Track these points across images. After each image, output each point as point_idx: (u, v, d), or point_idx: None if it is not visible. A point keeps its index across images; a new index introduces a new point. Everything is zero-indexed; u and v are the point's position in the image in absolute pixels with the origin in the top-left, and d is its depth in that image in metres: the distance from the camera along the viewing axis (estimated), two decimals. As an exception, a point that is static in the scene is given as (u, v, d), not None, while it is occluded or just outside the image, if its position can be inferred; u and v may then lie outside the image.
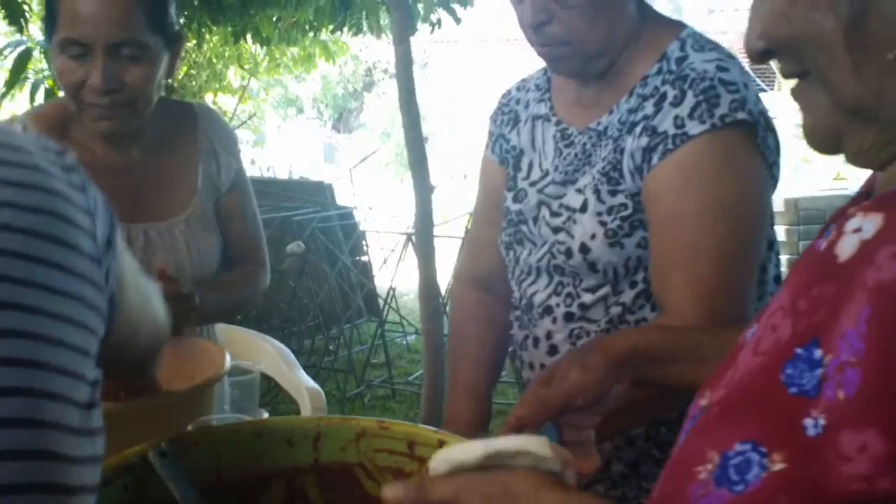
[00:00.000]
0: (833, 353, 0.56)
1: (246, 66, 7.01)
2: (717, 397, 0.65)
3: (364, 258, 6.10)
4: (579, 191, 1.35)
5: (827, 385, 0.55)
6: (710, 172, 1.23)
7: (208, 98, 7.22)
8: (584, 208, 1.33)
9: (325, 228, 5.46)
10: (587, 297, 1.34)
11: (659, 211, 1.26)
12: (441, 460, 0.73)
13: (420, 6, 4.52)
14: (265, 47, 6.39)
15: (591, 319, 1.34)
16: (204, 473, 1.01)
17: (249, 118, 8.26)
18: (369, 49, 13.93)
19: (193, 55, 6.90)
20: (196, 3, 4.79)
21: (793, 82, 0.70)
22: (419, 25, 4.74)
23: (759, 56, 0.69)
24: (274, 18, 5.41)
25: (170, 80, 1.71)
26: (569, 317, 1.36)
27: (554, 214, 1.38)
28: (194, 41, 5.99)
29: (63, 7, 1.49)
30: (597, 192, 1.32)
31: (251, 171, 8.57)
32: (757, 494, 0.56)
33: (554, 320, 1.37)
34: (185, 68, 7.03)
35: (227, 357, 1.35)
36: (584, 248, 1.32)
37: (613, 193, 1.31)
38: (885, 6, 0.61)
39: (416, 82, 3.60)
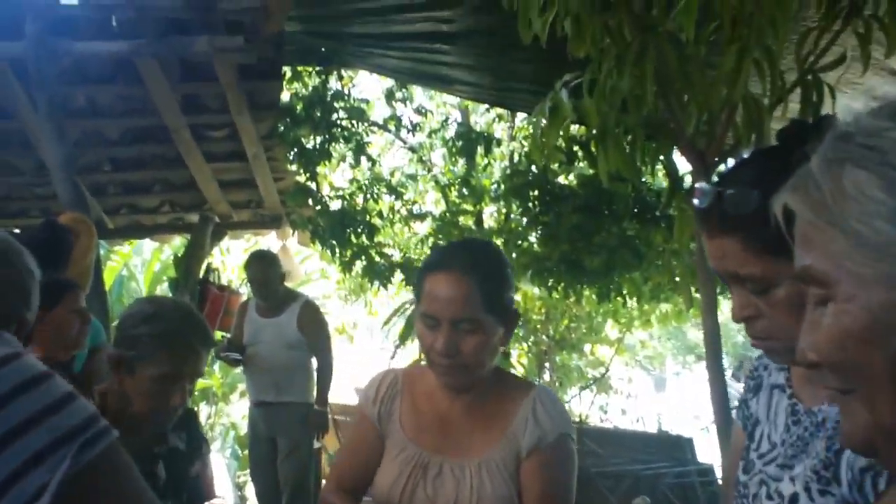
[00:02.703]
0: None
1: (622, 321, 7.40)
2: None
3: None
4: (792, 479, 1.37)
5: None
6: None
7: (586, 348, 7.70)
8: (794, 501, 1.35)
9: (681, 484, 5.44)
10: None
11: None
12: None
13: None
14: (638, 303, 6.77)
15: None
16: None
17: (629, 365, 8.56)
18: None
19: (574, 309, 7.48)
20: (563, 269, 5.35)
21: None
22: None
23: (810, 366, 0.78)
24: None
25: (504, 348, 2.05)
26: None
27: (769, 498, 1.41)
28: (573, 298, 6.55)
29: (425, 289, 1.91)
30: (807, 489, 1.32)
31: (619, 421, 8.64)
32: None
33: None
34: (565, 321, 7.63)
35: None
36: None
37: (823, 493, 1.29)
38: None
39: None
